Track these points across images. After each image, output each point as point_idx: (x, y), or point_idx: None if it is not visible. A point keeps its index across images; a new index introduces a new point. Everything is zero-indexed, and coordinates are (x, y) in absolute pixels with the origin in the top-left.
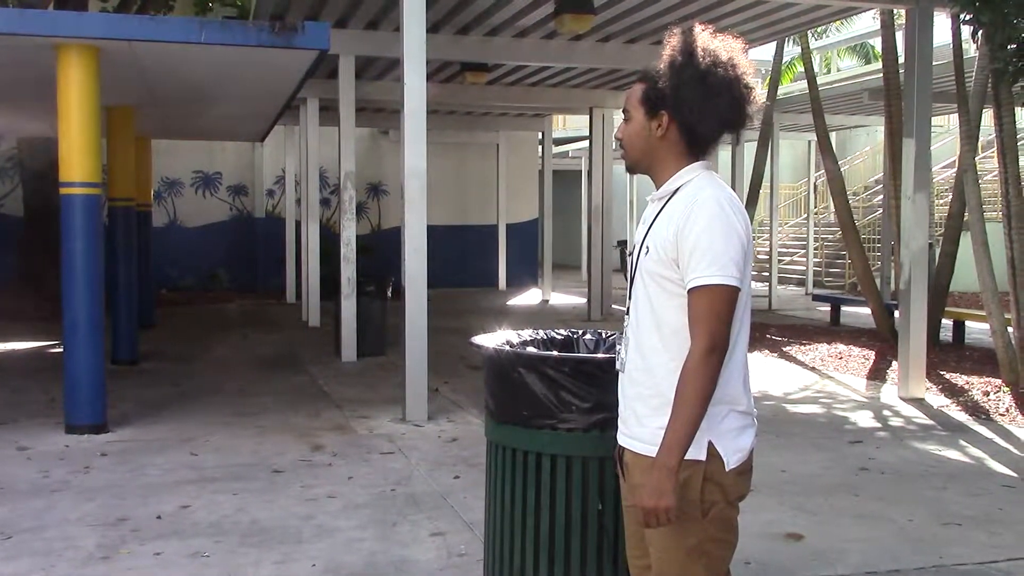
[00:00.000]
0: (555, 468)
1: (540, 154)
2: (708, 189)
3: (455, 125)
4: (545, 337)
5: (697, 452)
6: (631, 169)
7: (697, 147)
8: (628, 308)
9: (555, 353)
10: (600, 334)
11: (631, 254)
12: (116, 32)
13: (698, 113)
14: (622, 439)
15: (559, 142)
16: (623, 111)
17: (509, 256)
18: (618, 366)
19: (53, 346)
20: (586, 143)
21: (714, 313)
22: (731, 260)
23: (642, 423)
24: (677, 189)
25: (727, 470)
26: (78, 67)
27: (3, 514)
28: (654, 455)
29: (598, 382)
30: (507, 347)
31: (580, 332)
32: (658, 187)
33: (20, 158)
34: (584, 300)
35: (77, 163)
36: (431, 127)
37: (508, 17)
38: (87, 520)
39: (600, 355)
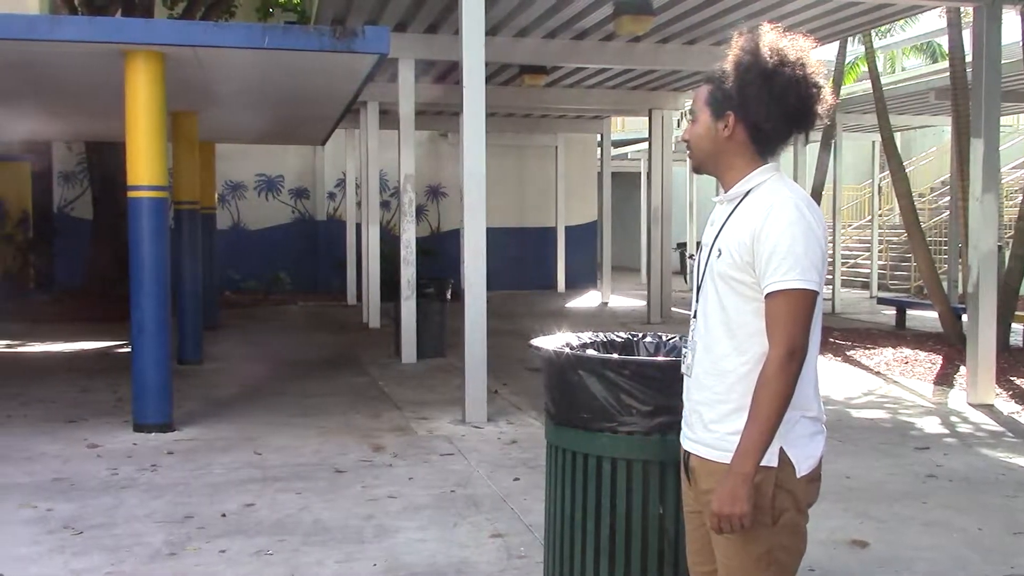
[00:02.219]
0: (615, 471)
1: (599, 156)
2: (784, 192)
3: (514, 127)
4: (605, 340)
5: (768, 458)
6: (697, 170)
7: (765, 148)
8: (695, 311)
9: (615, 356)
10: (660, 337)
11: (690, 256)
12: (182, 38)
13: (764, 113)
14: (687, 443)
15: (618, 144)
16: (689, 112)
17: (568, 258)
18: (683, 370)
19: (121, 346)
20: (645, 145)
21: (793, 318)
22: (811, 264)
23: (709, 428)
24: (748, 191)
25: (798, 477)
26: (145, 73)
27: (74, 510)
28: (721, 460)
29: (659, 385)
30: (567, 349)
31: (640, 335)
32: (726, 189)
33: (89, 162)
34: (643, 303)
35: (144, 167)
36: (490, 130)
37: (567, 19)
38: (154, 517)
39: (661, 358)
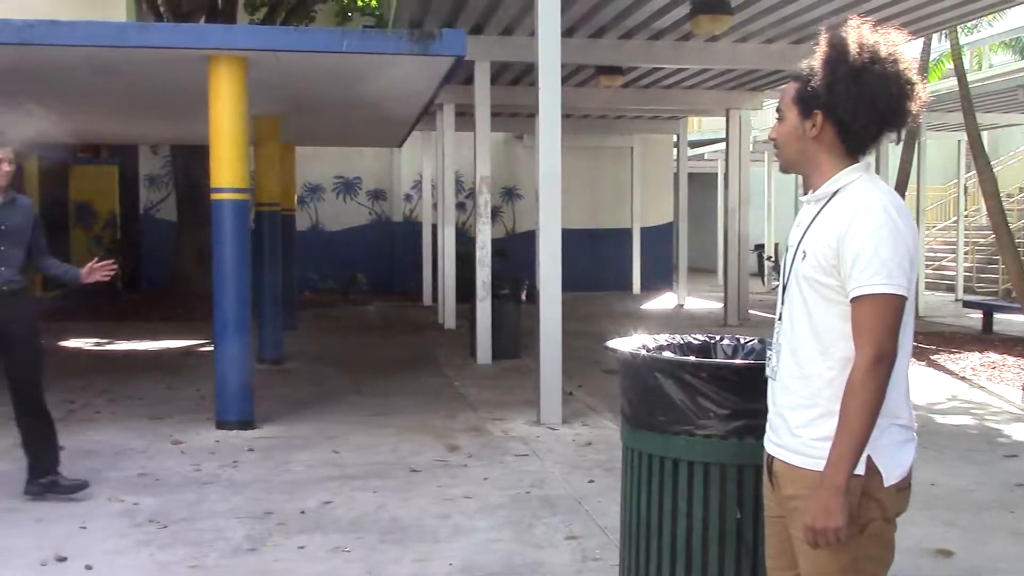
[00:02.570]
0: (692, 475)
1: (675, 157)
2: (873, 193)
3: (589, 129)
4: (681, 342)
5: (857, 466)
6: (785, 169)
7: (854, 147)
8: (780, 313)
9: (692, 358)
10: (738, 339)
11: (768, 258)
12: (264, 43)
13: (853, 112)
14: (771, 448)
15: (695, 144)
16: (776, 111)
17: (643, 260)
18: (768, 373)
19: (204, 345)
20: (722, 145)
21: (881, 323)
22: (899, 267)
23: (794, 433)
24: (835, 192)
25: (886, 486)
26: (228, 77)
27: (159, 504)
28: (806, 467)
29: (737, 388)
30: (643, 351)
31: (717, 337)
32: (814, 188)
33: (174, 165)
34: (720, 305)
35: (227, 170)
36: (565, 131)
37: (643, 19)
38: (235, 512)
39: (738, 361)
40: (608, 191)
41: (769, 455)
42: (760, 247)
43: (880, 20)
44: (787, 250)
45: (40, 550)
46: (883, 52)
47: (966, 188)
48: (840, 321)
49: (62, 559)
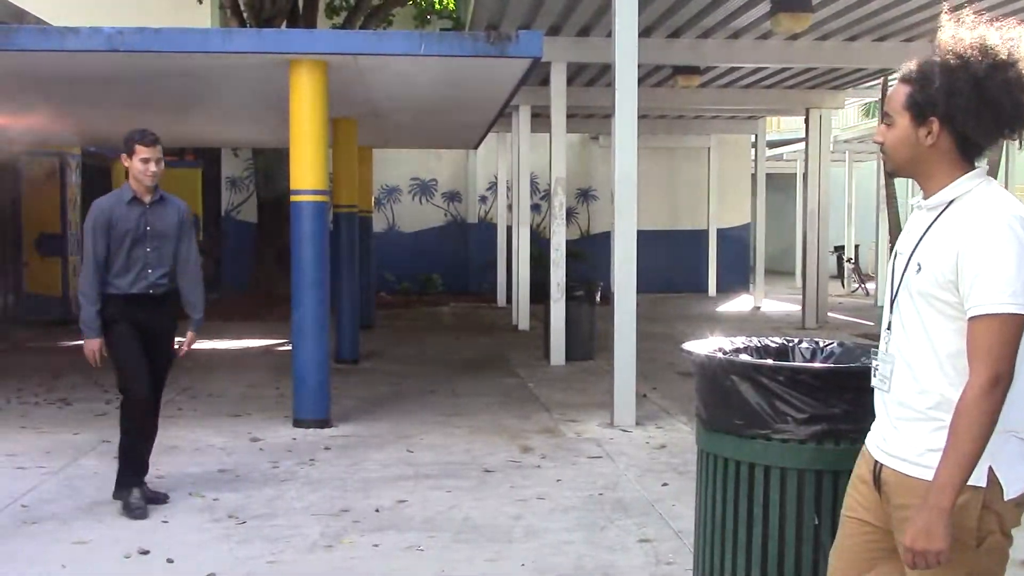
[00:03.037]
0: (768, 479)
1: (753, 157)
2: (995, 204)
3: (665, 129)
4: (758, 344)
5: (976, 477)
6: (895, 173)
7: (973, 154)
8: (889, 323)
9: (770, 361)
10: (817, 343)
11: (848, 260)
12: (343, 47)
13: (976, 122)
14: (881, 456)
15: (773, 144)
16: (883, 114)
17: (720, 261)
18: (877, 383)
19: (283, 344)
20: (801, 145)
21: (1000, 343)
22: (1022, 286)
23: (912, 444)
24: (952, 200)
25: (1006, 499)
26: (309, 81)
27: (238, 500)
28: (920, 476)
29: (815, 393)
30: (719, 354)
31: (795, 340)
32: (927, 195)
33: (255, 168)
34: (798, 307)
35: (306, 172)
36: (641, 131)
37: (721, 19)
38: (312, 510)
39: (817, 364)
40: (685, 192)
41: (878, 462)
42: (840, 249)
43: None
44: (895, 256)
45: (123, 543)
46: (1005, 55)
47: None
48: (957, 336)
49: (144, 552)
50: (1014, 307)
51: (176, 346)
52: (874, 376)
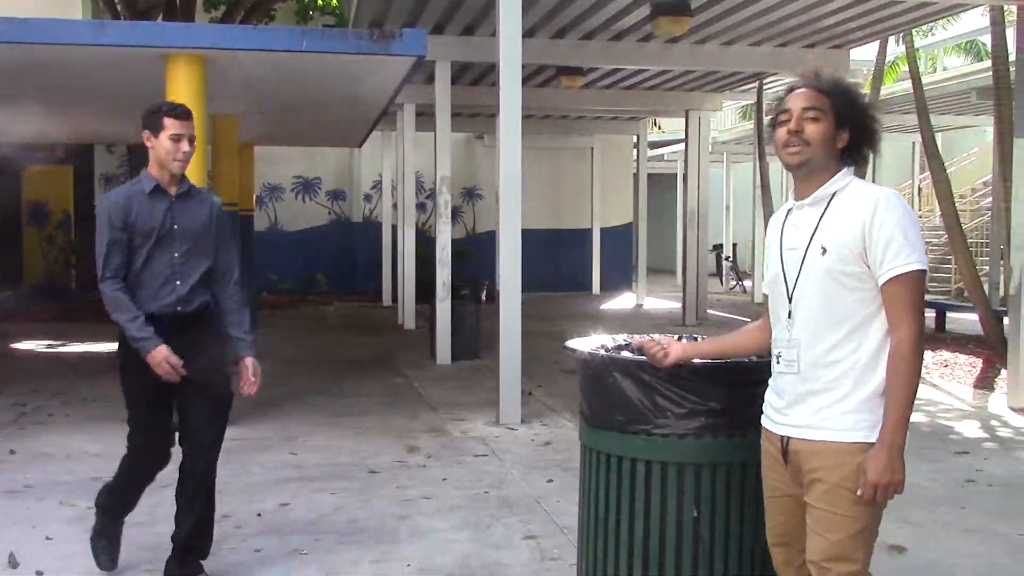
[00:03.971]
0: (649, 474)
1: (635, 157)
2: (878, 188)
3: (550, 129)
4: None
5: (871, 436)
6: (798, 166)
7: (850, 160)
8: (789, 311)
9: None
10: (696, 338)
11: (727, 258)
12: (222, 42)
13: (867, 137)
14: (786, 429)
15: (654, 145)
16: (812, 108)
17: (603, 260)
18: (783, 368)
19: None
20: (681, 146)
21: (918, 297)
22: (921, 247)
23: (819, 413)
24: (834, 193)
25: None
26: (186, 76)
27: None
28: (830, 439)
29: (694, 387)
30: (601, 351)
31: (676, 337)
32: (810, 191)
33: (131, 165)
34: (679, 305)
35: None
36: (526, 131)
37: (604, 21)
38: None
39: (695, 361)
40: (568, 191)
41: (784, 436)
42: (719, 247)
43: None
44: (786, 251)
45: None
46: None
47: (920, 189)
48: (862, 306)
49: (14, 565)
50: (920, 264)
51: (223, 372)
52: (778, 364)
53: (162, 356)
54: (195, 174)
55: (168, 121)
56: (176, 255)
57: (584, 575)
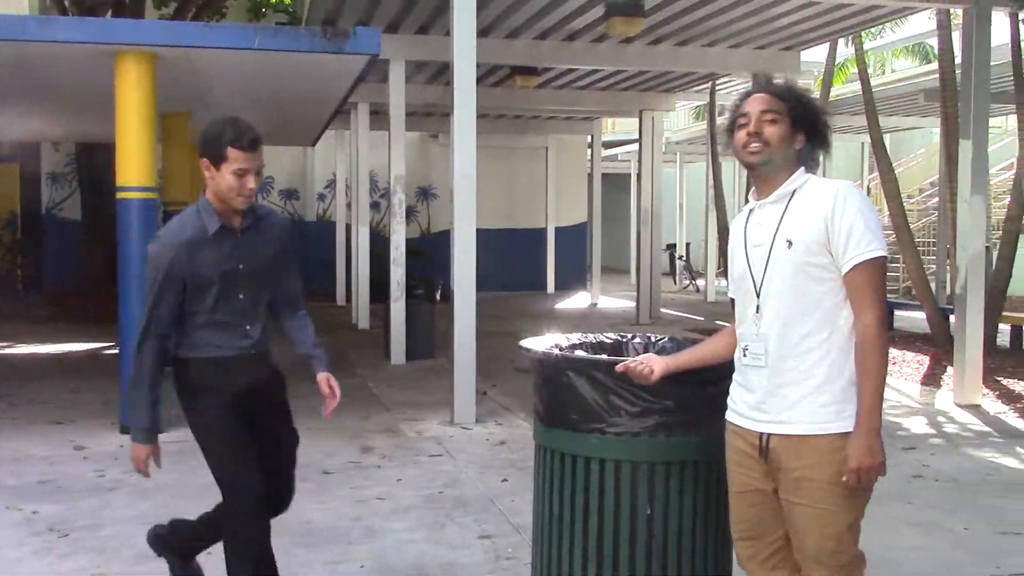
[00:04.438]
0: (604, 473)
1: (589, 157)
2: (836, 182)
3: (504, 129)
4: (594, 341)
5: (846, 425)
6: (757, 166)
7: (803, 162)
8: (757, 306)
9: (605, 357)
10: (649, 338)
11: (680, 257)
12: (172, 39)
13: (821, 141)
14: (763, 426)
15: (608, 145)
16: (769, 110)
17: (558, 259)
18: (750, 361)
19: (110, 347)
20: (635, 146)
21: (880, 282)
22: (881, 234)
23: (796, 406)
24: (793, 191)
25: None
26: (135, 73)
27: (60, 512)
28: (814, 433)
29: (648, 386)
30: (556, 351)
31: (629, 336)
32: (770, 190)
33: (78, 163)
34: (633, 304)
35: (133, 168)
36: (480, 131)
37: (558, 21)
38: (141, 519)
39: None
40: (523, 191)
41: (763, 433)
42: (672, 247)
43: (789, 25)
44: (751, 248)
45: None
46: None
47: (869, 189)
48: (829, 295)
49: None
50: (881, 251)
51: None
52: (744, 357)
53: (146, 455)
54: (144, 172)
55: (233, 152)
56: (242, 297)
57: (539, 574)
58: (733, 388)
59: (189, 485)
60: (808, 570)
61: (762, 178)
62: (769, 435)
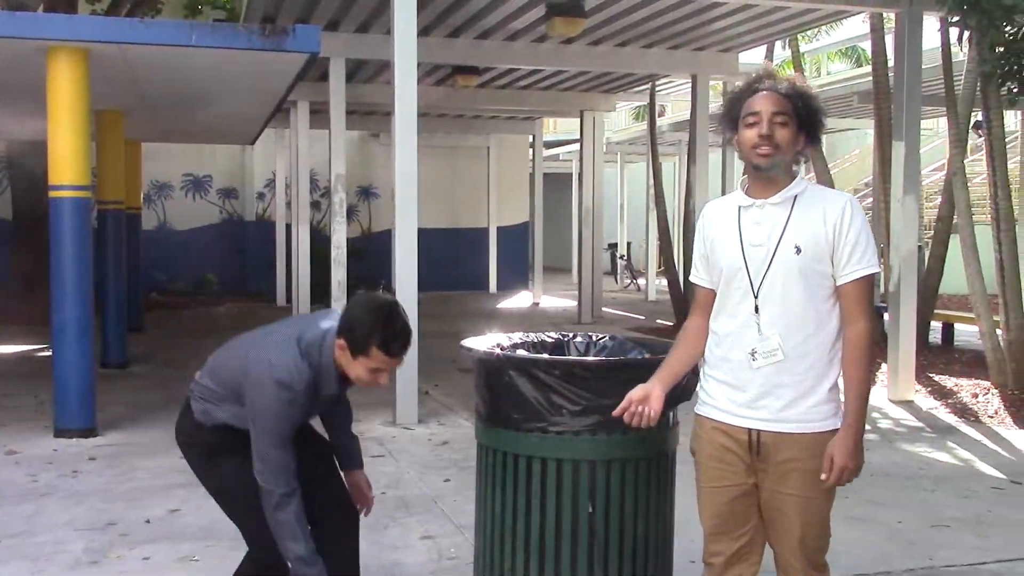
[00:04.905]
0: (545, 471)
1: (531, 157)
2: (840, 194)
3: (446, 128)
4: (535, 340)
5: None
6: (768, 168)
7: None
8: (756, 306)
9: (545, 356)
10: (590, 337)
11: (621, 257)
12: (106, 35)
13: (817, 140)
14: (757, 423)
15: (550, 145)
16: (780, 112)
17: (500, 259)
18: (761, 361)
19: (42, 349)
20: (577, 146)
21: (871, 295)
22: (876, 250)
23: (791, 406)
24: (796, 195)
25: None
26: (68, 70)
27: None
28: (807, 431)
29: (589, 385)
30: (497, 350)
31: (571, 335)
32: (773, 191)
33: (9, 161)
34: (575, 303)
35: (66, 166)
36: (422, 130)
37: (499, 20)
38: (76, 524)
39: (591, 358)
40: (465, 191)
41: (753, 430)
42: (613, 246)
43: (726, 27)
44: (748, 247)
45: None
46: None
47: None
48: (824, 302)
49: None
50: (877, 267)
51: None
52: (754, 359)
53: None
54: (77, 170)
55: (377, 354)
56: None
57: (482, 573)
58: (713, 386)
59: (124, 488)
60: (787, 562)
61: (765, 178)
62: (760, 431)
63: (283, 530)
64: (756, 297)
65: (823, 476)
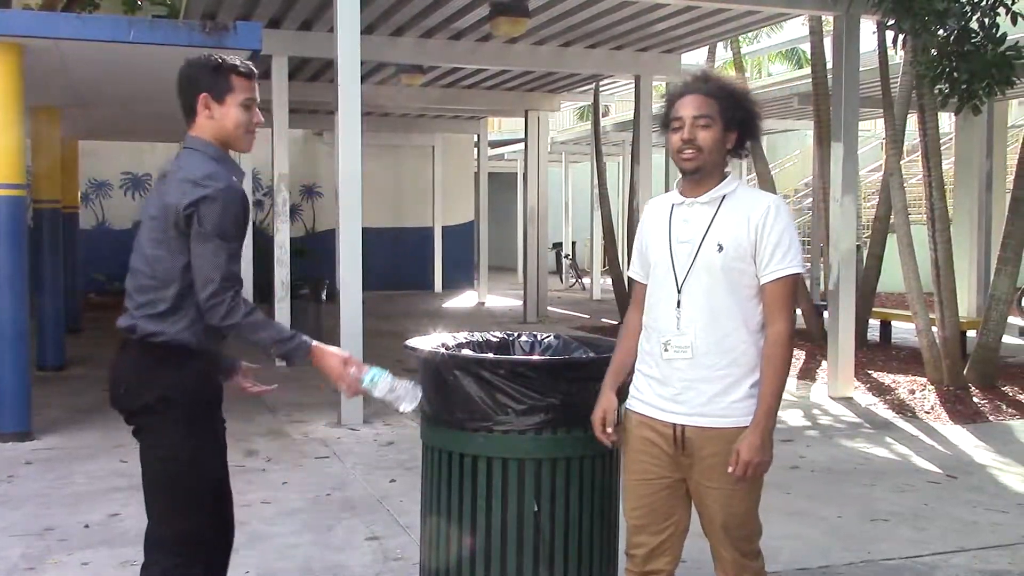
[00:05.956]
0: (491, 471)
1: (476, 156)
2: (767, 195)
3: (390, 127)
4: (481, 339)
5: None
6: (695, 171)
7: (731, 159)
8: (678, 301)
9: (490, 355)
10: (536, 336)
11: (566, 256)
12: (41, 30)
13: (753, 138)
14: (678, 418)
15: (495, 144)
16: (702, 116)
17: (445, 259)
18: (672, 355)
19: None
20: (521, 146)
21: (792, 296)
22: (801, 252)
23: (713, 401)
24: (725, 195)
25: None
26: (1, 65)
27: None
28: (727, 426)
29: (534, 384)
30: (442, 350)
31: (516, 334)
32: (703, 191)
33: None
34: (520, 302)
35: (1, 164)
36: (366, 129)
37: (443, 19)
38: (11, 530)
39: (536, 357)
40: (410, 190)
41: (678, 425)
42: (558, 245)
43: (668, 28)
44: (677, 244)
45: None
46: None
47: None
48: (747, 300)
49: None
50: (800, 268)
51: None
52: (666, 352)
53: (336, 362)
54: (12, 169)
55: (238, 81)
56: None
57: (427, 574)
58: (640, 379)
59: (62, 493)
60: (718, 552)
61: (693, 179)
62: (684, 426)
63: (255, 328)
64: (679, 292)
65: (729, 469)
